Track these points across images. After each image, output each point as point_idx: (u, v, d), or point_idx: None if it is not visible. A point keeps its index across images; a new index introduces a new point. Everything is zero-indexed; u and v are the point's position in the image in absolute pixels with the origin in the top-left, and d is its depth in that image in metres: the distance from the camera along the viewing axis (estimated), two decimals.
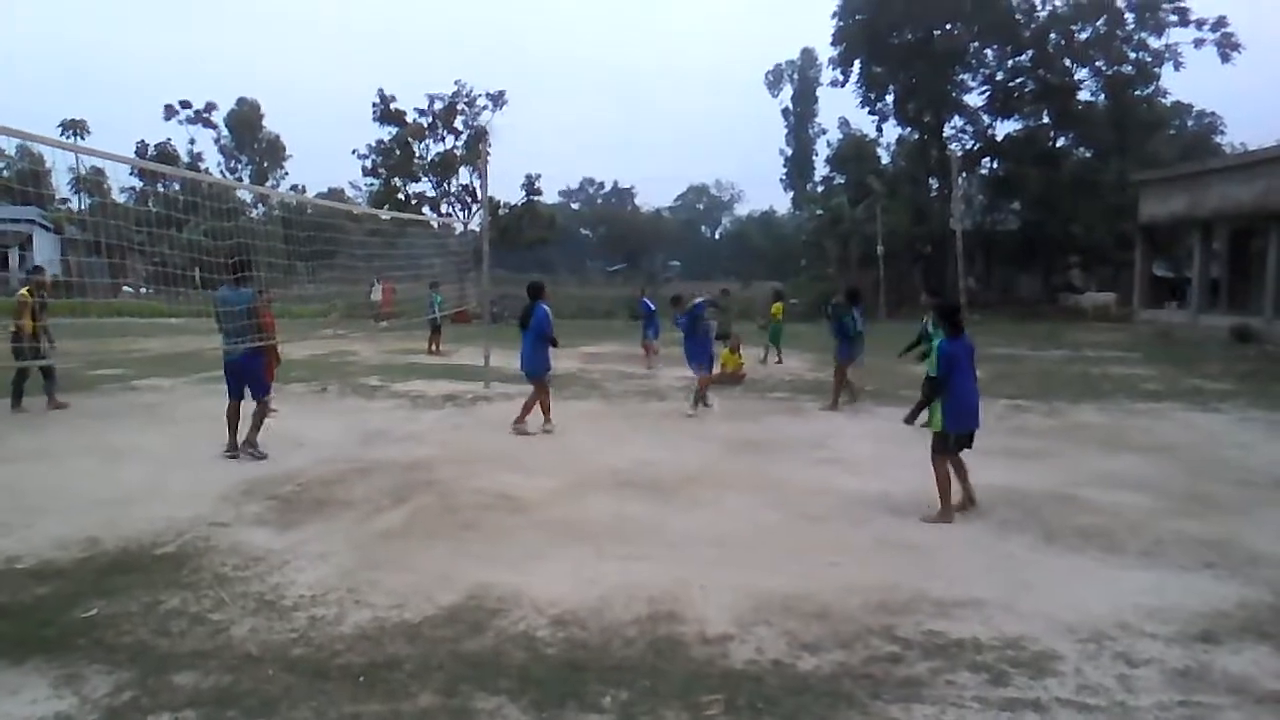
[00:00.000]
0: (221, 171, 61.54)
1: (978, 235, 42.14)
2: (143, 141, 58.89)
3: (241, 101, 65.22)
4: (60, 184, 59.53)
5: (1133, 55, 42.98)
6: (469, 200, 43.10)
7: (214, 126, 63.28)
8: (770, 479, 8.69)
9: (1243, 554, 6.33)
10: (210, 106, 61.81)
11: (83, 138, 63.71)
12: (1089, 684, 4.29)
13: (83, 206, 58.88)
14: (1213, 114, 52.86)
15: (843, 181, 49.33)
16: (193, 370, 15.90)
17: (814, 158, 64.30)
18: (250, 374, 9.41)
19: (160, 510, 7.18)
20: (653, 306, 20.17)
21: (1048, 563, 6.23)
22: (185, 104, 60.58)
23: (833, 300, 15.29)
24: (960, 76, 45.82)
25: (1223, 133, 52.70)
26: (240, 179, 61.86)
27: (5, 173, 61.63)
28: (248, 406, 9.45)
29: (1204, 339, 24.88)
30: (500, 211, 39.65)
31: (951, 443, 7.38)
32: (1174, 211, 30.00)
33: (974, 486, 7.60)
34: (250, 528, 6.83)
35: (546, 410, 11.18)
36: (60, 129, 63.01)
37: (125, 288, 36.83)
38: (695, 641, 4.77)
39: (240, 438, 9.37)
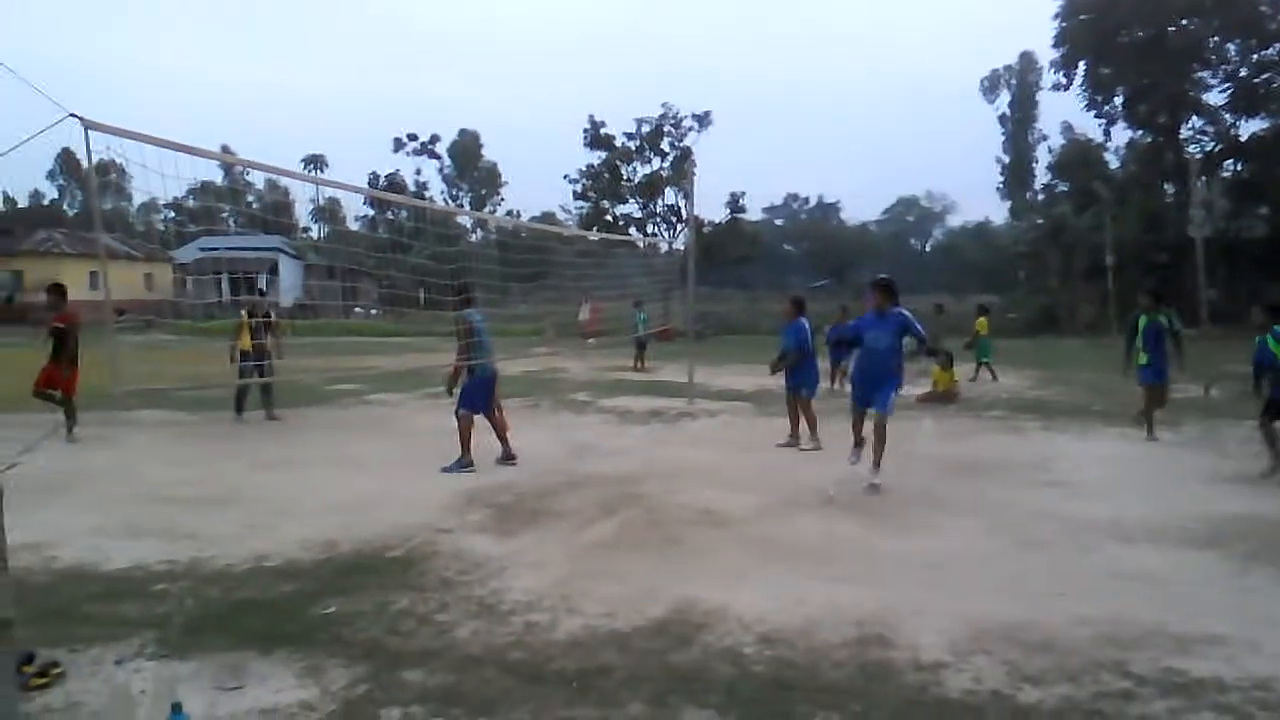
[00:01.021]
0: (444, 199, 65.50)
1: (1220, 243, 38.67)
2: (374, 173, 63.62)
3: (463, 133, 69.23)
4: (302, 214, 65.14)
5: None
6: (674, 220, 43.85)
7: (438, 157, 67.41)
8: (988, 502, 8.31)
9: None
10: (434, 139, 65.92)
11: (322, 171, 69.54)
12: None
13: (321, 235, 64.20)
14: None
15: (1065, 189, 46.64)
16: (418, 386, 16.95)
17: (1033, 165, 61.16)
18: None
19: (391, 516, 7.69)
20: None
21: None
22: (412, 136, 64.88)
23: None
24: (1198, 74, 42.36)
25: None
26: (461, 205, 65.57)
27: (255, 205, 68.11)
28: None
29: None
30: (704, 230, 40.08)
31: None
32: None
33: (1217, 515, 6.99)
34: (471, 535, 7.20)
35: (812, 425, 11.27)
36: (303, 164, 69.08)
37: (357, 309, 39.77)
38: (908, 668, 4.62)
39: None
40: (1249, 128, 42.45)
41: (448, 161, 69.03)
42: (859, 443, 9.06)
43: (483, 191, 70.80)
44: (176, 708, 3.60)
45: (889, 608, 5.42)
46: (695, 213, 18.21)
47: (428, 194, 63.42)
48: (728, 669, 4.62)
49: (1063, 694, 4.29)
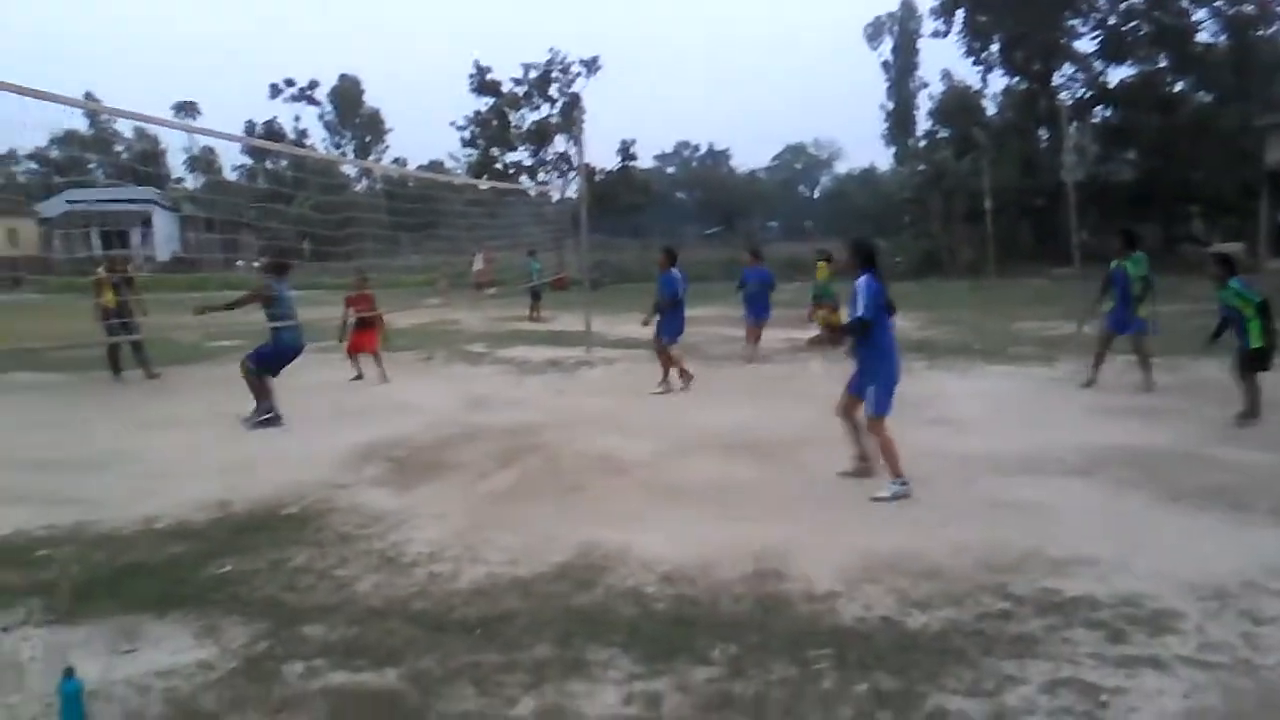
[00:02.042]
0: (326, 147, 63.27)
1: (1091, 187, 40.29)
2: (250, 121, 60.94)
3: (343, 78, 66.77)
4: (175, 164, 62.11)
5: None
6: (565, 168, 43.41)
7: (317, 103, 64.97)
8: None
9: None
10: (313, 84, 63.49)
11: (194, 119, 66.24)
12: (1211, 641, 4.17)
13: (197, 185, 61.40)
14: None
15: (946, 135, 47.84)
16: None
17: (915, 112, 62.50)
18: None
19: (284, 473, 7.53)
20: (768, 276, 15.65)
21: (1168, 521, 6.04)
22: (290, 82, 62.29)
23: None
24: (1070, 22, 43.71)
25: None
26: (344, 154, 63.52)
27: (124, 155, 64.59)
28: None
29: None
30: (596, 178, 39.84)
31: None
32: None
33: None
34: (369, 489, 7.12)
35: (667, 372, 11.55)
36: (174, 110, 65.65)
37: (239, 262, 38.39)
38: (802, 599, 4.80)
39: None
40: (1117, 74, 44.19)
41: (328, 108, 66.65)
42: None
43: (366, 139, 68.63)
44: (69, 673, 3.49)
45: (783, 543, 5.59)
46: (586, 160, 18.07)
47: (308, 142, 61.25)
48: (630, 608, 4.72)
49: (947, 617, 4.53)
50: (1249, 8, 40.28)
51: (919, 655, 4.12)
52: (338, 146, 65.08)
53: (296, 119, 64.07)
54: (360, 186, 57.65)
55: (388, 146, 70.65)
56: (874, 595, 4.82)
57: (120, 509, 6.58)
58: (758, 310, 14.89)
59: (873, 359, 6.89)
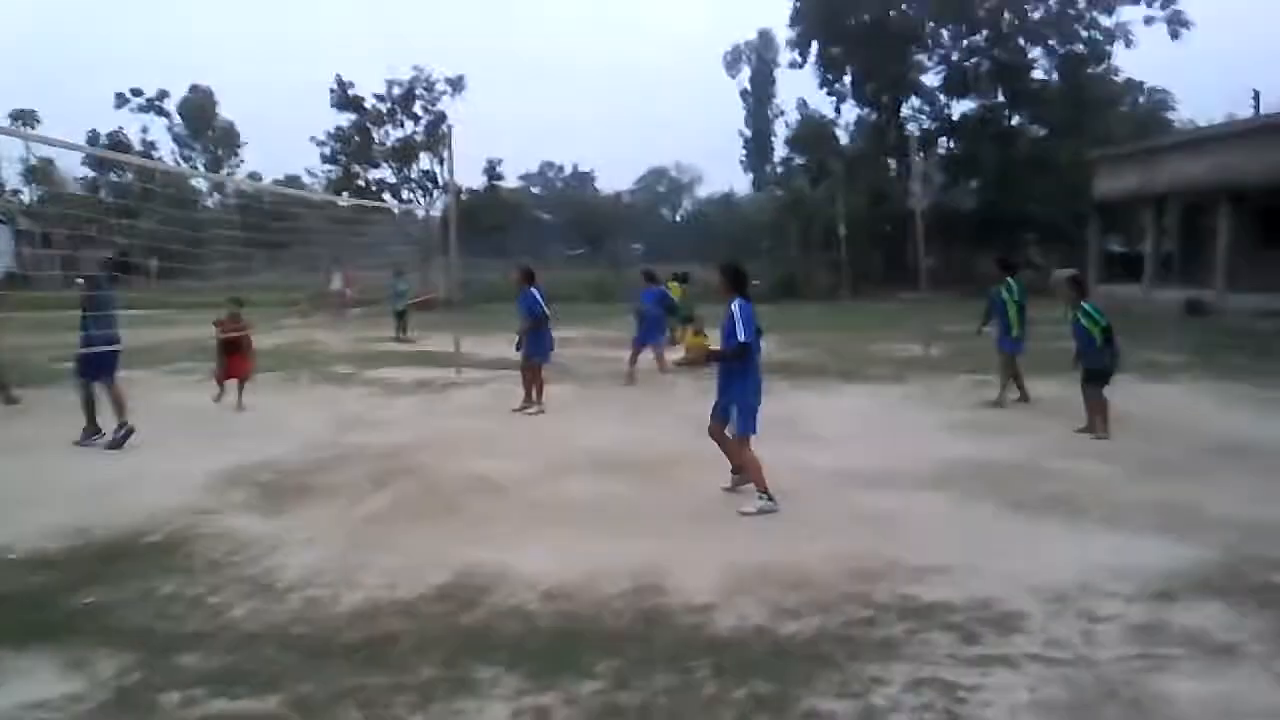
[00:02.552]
0: (176, 160, 60.44)
1: (936, 214, 42.49)
2: (94, 130, 57.72)
3: (194, 89, 63.86)
4: (10, 175, 58.18)
5: (1085, 34, 43.61)
6: (429, 186, 42.89)
7: (166, 114, 62.03)
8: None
9: (1197, 517, 6.65)
10: (163, 94, 60.44)
11: (32, 128, 62.30)
12: (1054, 639, 4.55)
13: (34, 198, 57.74)
14: (1164, 91, 53.66)
15: (802, 163, 49.60)
16: (154, 363, 15.79)
17: (773, 139, 64.49)
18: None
19: (145, 499, 7.25)
20: (665, 297, 16.13)
21: (1013, 529, 6.53)
22: (136, 92, 59.22)
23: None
24: (917, 57, 46.20)
25: (1174, 109, 53.51)
26: (195, 167, 60.84)
27: None
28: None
29: (1157, 313, 25.50)
30: (461, 197, 39.50)
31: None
32: (1127, 188, 30.60)
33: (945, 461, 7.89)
34: (237, 514, 6.94)
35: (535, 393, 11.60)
36: (10, 119, 61.54)
37: (78, 280, 36.25)
38: (681, 611, 4.98)
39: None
40: (960, 108, 46.92)
41: (178, 120, 63.76)
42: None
43: (219, 152, 65.88)
44: None
45: (660, 558, 5.77)
46: (451, 179, 17.96)
47: (156, 154, 58.38)
48: (514, 626, 4.80)
49: (817, 625, 4.79)
50: (1080, 48, 43.48)
51: (792, 661, 4.35)
52: (188, 160, 62.28)
53: (144, 130, 60.98)
54: (212, 201, 55.43)
55: (242, 161, 68.10)
56: (748, 606, 5.04)
57: None
58: (653, 333, 15.02)
59: (735, 381, 7.12)
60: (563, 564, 5.70)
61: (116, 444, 9.27)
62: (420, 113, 42.12)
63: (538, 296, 11.83)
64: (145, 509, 6.96)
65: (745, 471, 7.25)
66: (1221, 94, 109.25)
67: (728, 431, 7.27)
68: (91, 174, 55.40)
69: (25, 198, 56.20)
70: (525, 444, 9.55)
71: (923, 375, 13.82)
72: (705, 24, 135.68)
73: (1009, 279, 11.91)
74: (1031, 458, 8.69)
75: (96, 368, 9.49)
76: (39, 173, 56.01)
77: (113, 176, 53.15)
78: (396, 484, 7.87)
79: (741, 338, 6.95)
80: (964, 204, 47.35)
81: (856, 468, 8.34)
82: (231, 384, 11.83)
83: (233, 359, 11.88)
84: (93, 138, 54.33)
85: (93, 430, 9.53)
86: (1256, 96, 41.13)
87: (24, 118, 54.26)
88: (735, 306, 7.02)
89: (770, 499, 6.93)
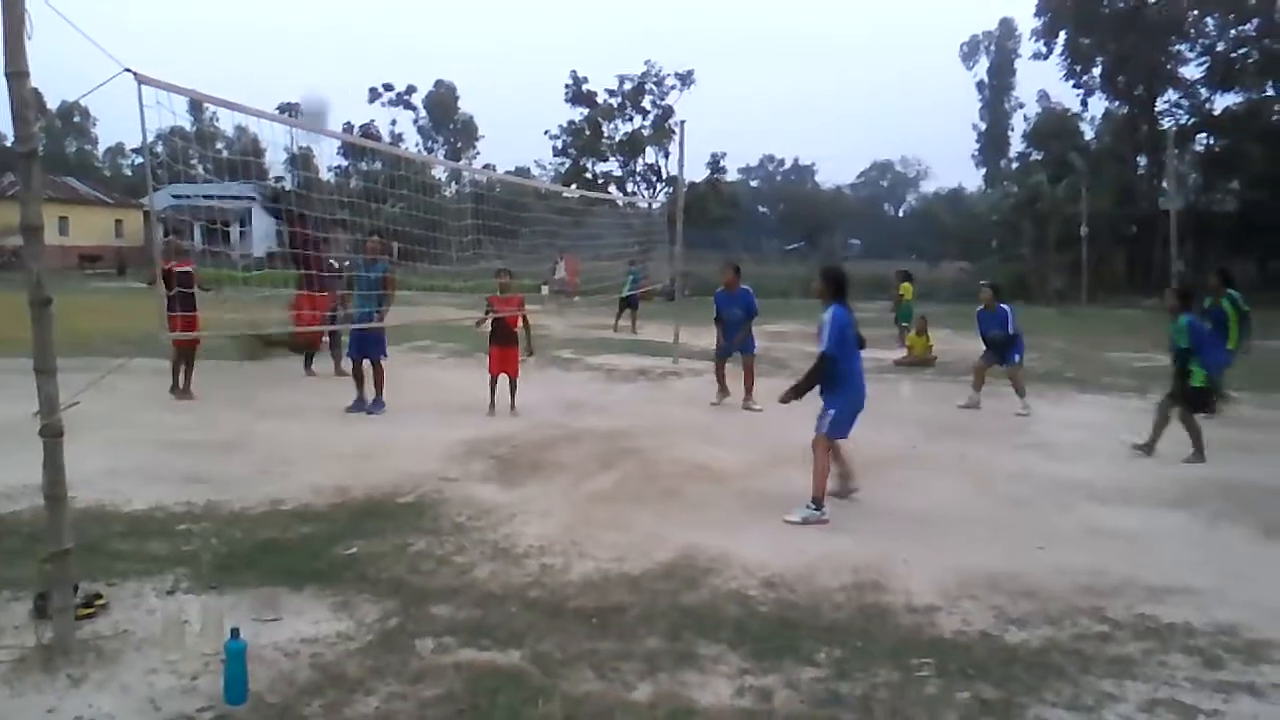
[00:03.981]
0: (420, 151, 64.74)
1: (1190, 216, 39.30)
2: (349, 122, 62.77)
3: (439, 84, 68.30)
4: (275, 162, 64.05)
5: None
6: (654, 179, 43.85)
7: (413, 108, 66.58)
8: (970, 462, 8.69)
9: None
10: (410, 89, 65.09)
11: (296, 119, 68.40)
12: None
13: (295, 183, 63.27)
14: None
15: (1041, 158, 47.05)
16: (402, 339, 17.04)
17: (1010, 134, 61.57)
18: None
19: (396, 464, 7.94)
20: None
21: (1264, 555, 6.08)
22: (388, 86, 64.01)
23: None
24: (1176, 47, 42.79)
25: None
26: (437, 157, 65.02)
27: (225, 151, 66.86)
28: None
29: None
30: (685, 190, 40.07)
31: None
32: None
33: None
34: (477, 483, 7.47)
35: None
36: (279, 110, 67.76)
37: (331, 260, 39.44)
38: (902, 610, 4.97)
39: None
40: (1223, 102, 43.08)
41: (423, 113, 68.26)
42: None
43: (458, 144, 70.12)
44: (234, 633, 3.85)
45: (882, 557, 5.76)
46: (680, 173, 18.32)
47: (403, 145, 62.77)
48: (735, 609, 4.95)
49: (1045, 635, 4.66)
50: None
51: (1018, 669, 4.26)
52: (430, 151, 66.59)
53: (393, 123, 65.84)
54: (450, 191, 58.89)
55: (479, 153, 72.10)
56: (972, 611, 4.96)
57: (247, 490, 7.04)
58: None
59: (833, 386, 6.88)
60: (782, 554, 5.80)
61: (373, 413, 10.18)
62: (649, 107, 43.08)
63: (752, 293, 11.83)
64: (397, 473, 7.63)
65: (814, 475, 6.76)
66: None
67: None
68: (345, 163, 60.06)
69: (287, 184, 61.66)
70: (741, 434, 9.71)
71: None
72: (940, 12, 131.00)
73: (1229, 290, 11.06)
74: None
75: (368, 345, 10.40)
76: (301, 160, 61.28)
77: (363, 165, 57.39)
78: (620, 465, 8.22)
79: (822, 347, 6.78)
80: (1222, 206, 43.44)
81: (1090, 479, 7.95)
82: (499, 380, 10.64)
83: (501, 349, 10.64)
84: (348, 129, 58.87)
85: (360, 400, 10.49)
86: None
87: (288, 110, 59.56)
88: (828, 314, 6.82)
89: (820, 509, 6.62)
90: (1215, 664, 4.34)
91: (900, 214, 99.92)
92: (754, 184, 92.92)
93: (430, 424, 9.80)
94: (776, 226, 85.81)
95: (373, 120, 63.59)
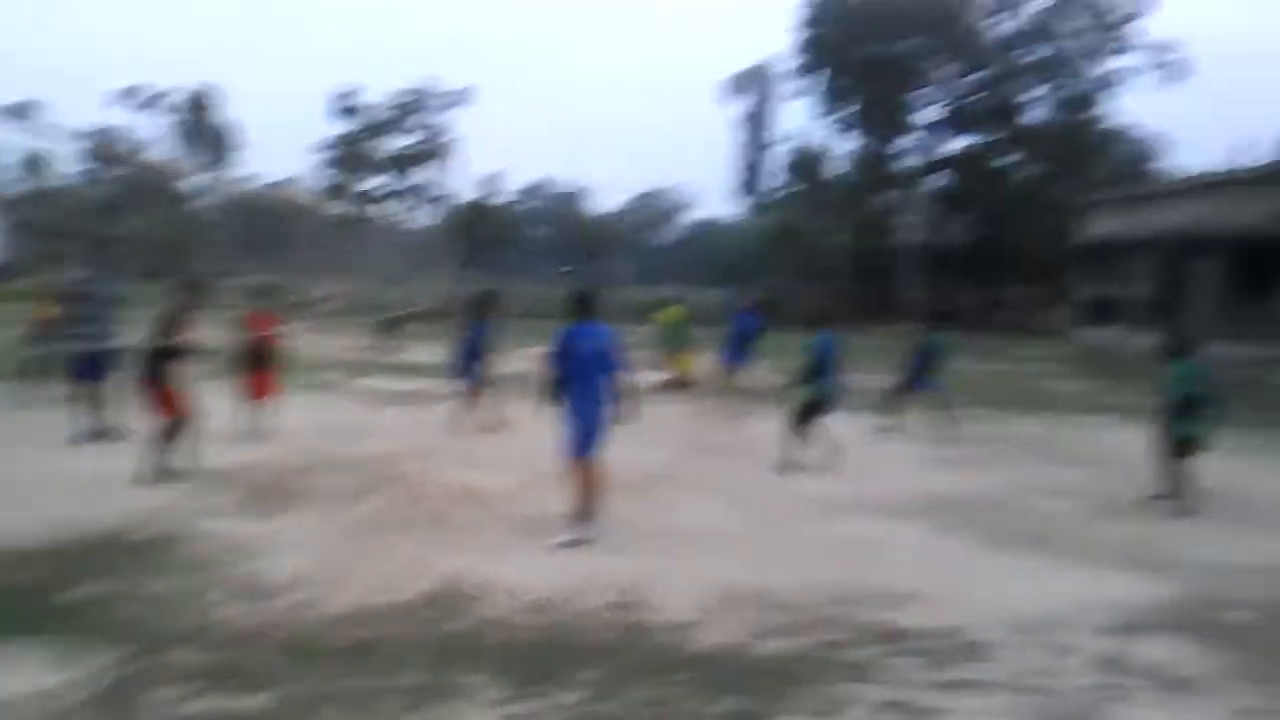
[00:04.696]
0: (171, 159, 60.42)
1: (926, 249, 43.09)
2: (93, 126, 57.79)
3: (196, 90, 64.09)
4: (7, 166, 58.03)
5: (1081, 77, 44.40)
6: (427, 197, 43.08)
7: (167, 113, 62.13)
8: (728, 480, 9.07)
9: (1165, 556, 6.84)
10: (163, 93, 60.67)
11: (32, 121, 62.13)
12: (1021, 668, 4.71)
13: (27, 191, 57.57)
14: (1157, 136, 54.50)
15: (796, 191, 50.06)
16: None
17: (767, 168, 64.99)
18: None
19: (134, 498, 7.34)
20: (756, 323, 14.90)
21: (986, 561, 6.69)
22: (138, 90, 59.38)
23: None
24: (917, 92, 46.86)
25: (1164, 156, 54.34)
26: (192, 167, 60.83)
27: None
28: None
29: (1138, 356, 25.86)
30: (459, 209, 39.58)
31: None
32: (1115, 231, 31.09)
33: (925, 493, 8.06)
34: (225, 516, 7.02)
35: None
36: (8, 113, 61.41)
37: (73, 277, 36.15)
38: (662, 627, 5.11)
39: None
40: (956, 144, 47.60)
41: (176, 119, 63.78)
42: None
43: (217, 154, 66.00)
44: None
45: (645, 576, 5.90)
46: (455, 192, 18.11)
47: (153, 153, 58.39)
48: (500, 635, 4.92)
49: (795, 645, 4.94)
50: (1076, 91, 44.21)
51: (768, 679, 4.48)
52: (184, 159, 62.23)
53: (143, 129, 61.12)
54: (206, 202, 55.39)
55: (239, 163, 68.19)
56: (728, 625, 5.17)
57: None
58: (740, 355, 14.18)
59: (565, 406, 7.01)
60: (547, 576, 5.83)
61: (103, 441, 9.33)
62: (423, 123, 42.31)
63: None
64: (135, 507, 7.05)
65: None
66: (1214, 142, 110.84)
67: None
68: (87, 169, 55.28)
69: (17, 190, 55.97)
70: (508, 458, 9.63)
71: (921, 411, 13.97)
72: (706, 49, 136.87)
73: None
74: (1003, 493, 8.87)
75: (93, 368, 9.57)
76: (34, 165, 55.86)
77: (107, 173, 53.09)
78: (382, 492, 7.97)
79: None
80: (954, 239, 47.85)
81: (838, 495, 8.49)
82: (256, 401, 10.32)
83: (262, 375, 10.34)
84: (89, 133, 54.28)
85: (86, 428, 9.59)
86: (1247, 147, 41.90)
87: (21, 111, 54.27)
88: (559, 332, 7.05)
89: (584, 529, 6.74)
90: (943, 664, 4.74)
91: (668, 242, 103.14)
92: (530, 206, 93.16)
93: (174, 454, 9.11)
94: (551, 249, 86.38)
95: (114, 126, 58.81)
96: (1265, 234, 24.39)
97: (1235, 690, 4.56)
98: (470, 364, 11.66)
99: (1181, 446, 8.37)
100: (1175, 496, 8.34)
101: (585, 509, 6.85)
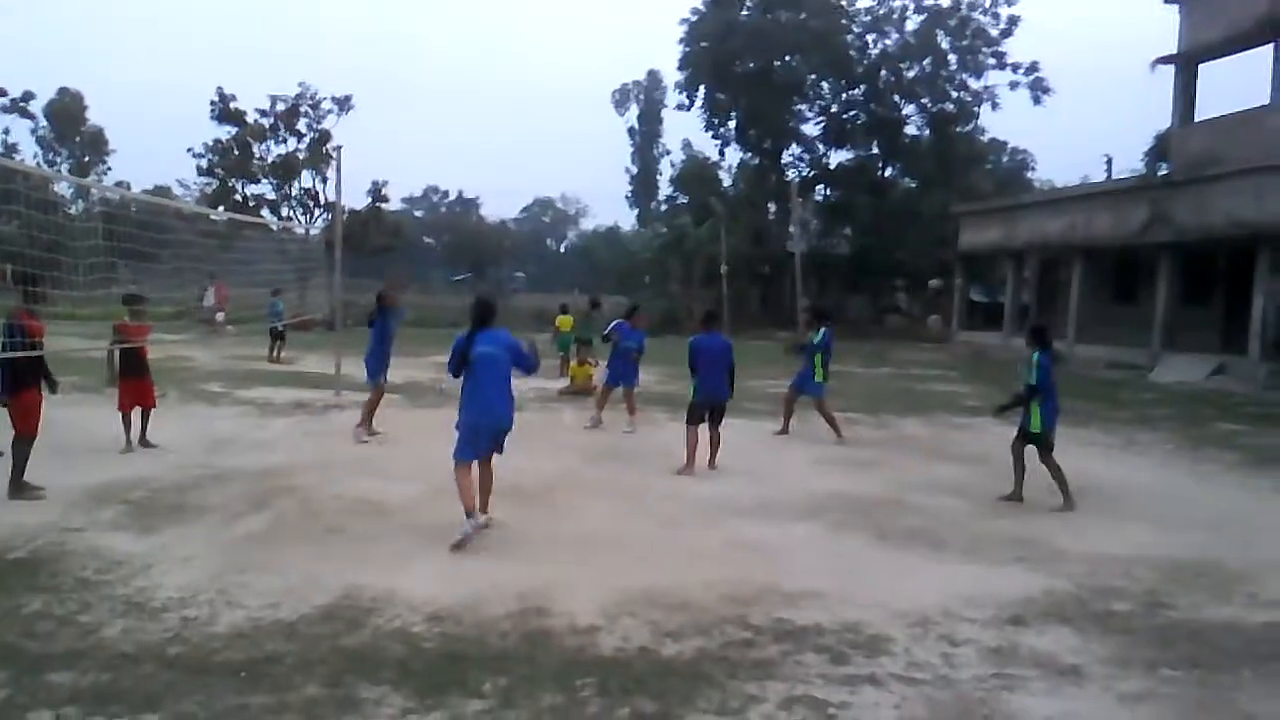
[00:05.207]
0: (39, 164, 57.31)
1: (812, 258, 44.06)
2: None
3: (63, 92, 60.64)
4: None
5: (955, 94, 46.20)
6: (311, 204, 41.92)
7: (31, 116, 58.88)
8: (625, 485, 9.11)
9: (1048, 550, 7.18)
10: (28, 95, 57.49)
11: None
12: (917, 661, 4.86)
13: None
14: (1025, 151, 57.04)
15: (686, 202, 50.61)
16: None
17: (659, 177, 65.52)
18: None
19: (6, 515, 6.95)
20: (635, 334, 13.68)
21: (879, 558, 6.90)
22: (0, 91, 56.11)
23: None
24: (798, 107, 47.94)
25: (1034, 169, 56.94)
26: (59, 172, 57.81)
27: None
28: None
29: (1015, 360, 26.94)
30: (344, 217, 38.59)
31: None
32: (990, 240, 32.42)
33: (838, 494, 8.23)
34: (106, 532, 6.71)
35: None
36: None
37: None
38: (566, 632, 5.10)
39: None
40: (837, 157, 48.94)
41: (43, 122, 60.52)
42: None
43: (86, 159, 62.81)
44: None
45: (546, 582, 5.88)
46: (338, 199, 17.63)
47: (19, 157, 55.27)
48: (399, 647, 4.83)
49: (697, 646, 4.98)
50: (950, 107, 46.00)
51: (674, 680, 4.52)
52: (52, 164, 59.11)
53: (6, 131, 57.78)
54: (76, 209, 52.69)
55: (110, 168, 65.01)
56: (631, 627, 5.20)
57: None
58: (629, 374, 13.37)
59: (459, 408, 7.19)
60: (447, 586, 5.75)
61: None
62: (304, 130, 41.21)
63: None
64: (8, 525, 6.68)
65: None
66: (1077, 157, 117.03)
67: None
68: None
69: None
70: (406, 468, 9.46)
71: (797, 413, 14.29)
72: (597, 59, 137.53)
73: (822, 326, 12.60)
74: (894, 492, 9.16)
75: None
76: None
77: None
78: (275, 504, 7.74)
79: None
80: (839, 249, 49.17)
81: (734, 497, 8.63)
82: (133, 414, 10.09)
83: (136, 381, 10.09)
84: None
85: None
86: (1109, 161, 44.35)
87: None
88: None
89: (470, 522, 6.84)
90: (842, 659, 4.86)
91: (562, 249, 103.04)
92: (418, 214, 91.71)
93: (49, 468, 8.62)
94: (442, 257, 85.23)
95: None
96: (1130, 243, 25.80)
97: (1121, 676, 4.80)
98: (379, 363, 11.52)
99: (1028, 437, 8.91)
100: (1017, 495, 8.90)
101: (476, 507, 6.97)
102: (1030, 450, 8.97)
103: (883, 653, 4.96)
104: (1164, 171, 26.80)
